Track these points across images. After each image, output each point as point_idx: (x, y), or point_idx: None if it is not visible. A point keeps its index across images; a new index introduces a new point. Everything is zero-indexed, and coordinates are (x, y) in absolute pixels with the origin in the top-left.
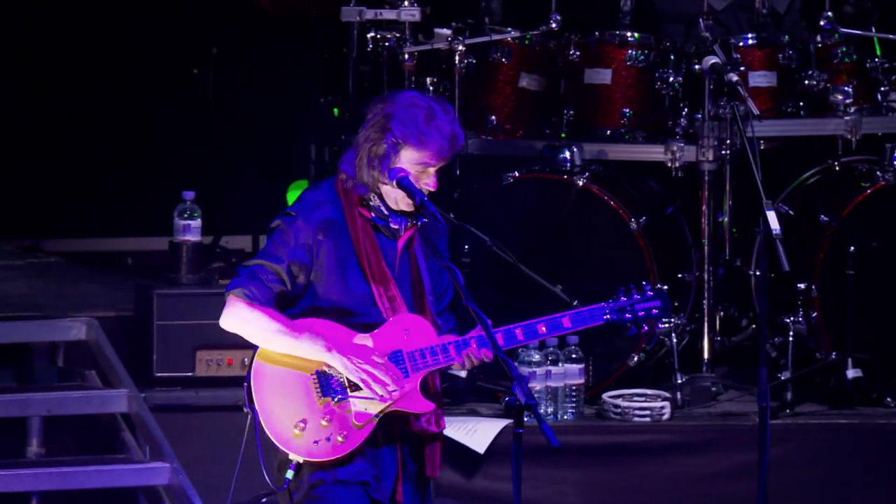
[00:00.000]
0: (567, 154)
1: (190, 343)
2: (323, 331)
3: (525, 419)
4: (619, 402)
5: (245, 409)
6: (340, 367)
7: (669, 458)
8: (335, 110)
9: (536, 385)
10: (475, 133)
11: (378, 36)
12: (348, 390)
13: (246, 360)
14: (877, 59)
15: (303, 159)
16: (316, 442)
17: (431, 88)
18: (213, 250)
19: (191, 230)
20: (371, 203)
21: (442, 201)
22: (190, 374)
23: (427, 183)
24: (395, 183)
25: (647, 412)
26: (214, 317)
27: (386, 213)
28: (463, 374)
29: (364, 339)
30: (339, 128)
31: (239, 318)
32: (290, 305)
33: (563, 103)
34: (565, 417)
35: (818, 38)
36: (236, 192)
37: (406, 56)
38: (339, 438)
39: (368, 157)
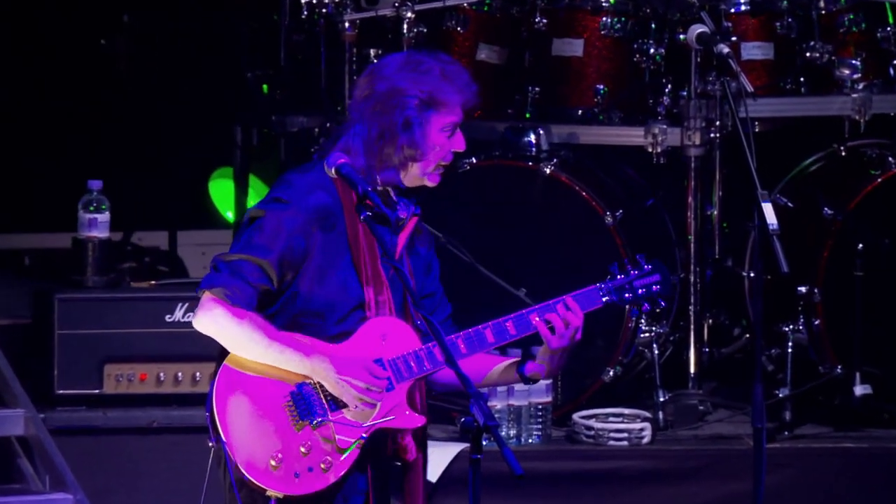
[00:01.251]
0: (532, 137)
1: (97, 356)
2: (311, 341)
3: (484, 443)
4: (592, 423)
5: (210, 444)
6: (329, 384)
7: (650, 487)
8: (265, 87)
9: (497, 403)
10: None
11: (314, 1)
12: (328, 412)
13: (162, 374)
14: (889, 29)
15: (227, 143)
16: (297, 474)
17: (376, 62)
18: (125, 248)
19: (98, 225)
20: (378, 188)
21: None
22: (97, 391)
23: (455, 144)
24: (334, 171)
25: (625, 435)
26: (124, 325)
27: (395, 199)
28: None
29: (335, 351)
30: (269, 107)
31: (218, 324)
32: (268, 305)
33: (527, 79)
34: (530, 441)
35: (822, 4)
36: (150, 182)
37: (346, 24)
38: (323, 466)
39: (391, 136)
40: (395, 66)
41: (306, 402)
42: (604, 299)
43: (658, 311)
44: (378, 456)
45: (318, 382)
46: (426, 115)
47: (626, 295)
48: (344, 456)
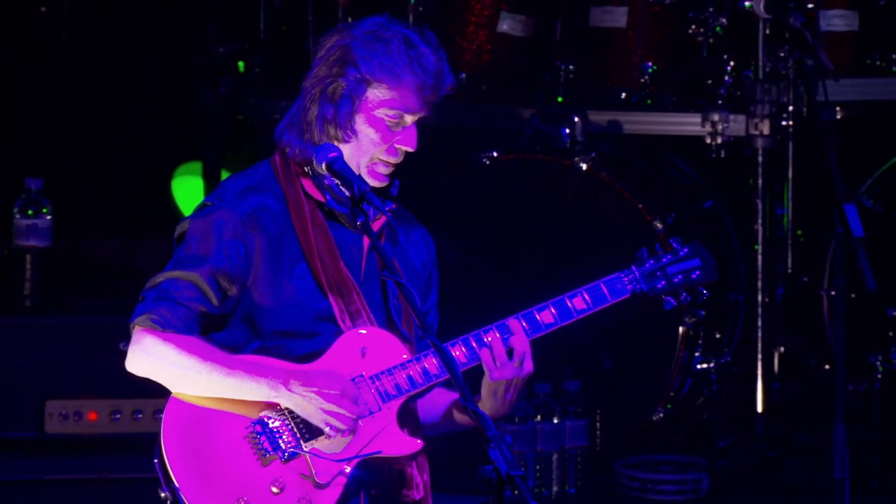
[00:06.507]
0: (565, 126)
1: (37, 391)
2: (264, 361)
3: (507, 495)
4: (637, 472)
5: (162, 493)
6: (295, 405)
7: None
8: (240, 64)
9: (521, 449)
10: None
11: None
12: (302, 441)
13: (117, 413)
14: None
15: (195, 133)
16: None
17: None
18: (70, 260)
19: (38, 232)
20: (325, 181)
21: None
22: (36, 434)
23: (402, 140)
24: (323, 166)
25: (678, 486)
26: (71, 353)
27: (347, 193)
28: None
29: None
30: (245, 88)
31: (148, 355)
32: (215, 331)
33: (559, 54)
34: (563, 494)
35: None
36: (101, 180)
37: None
38: None
39: (321, 104)
40: (356, 27)
41: (273, 431)
42: (630, 288)
43: (700, 301)
44: (374, 489)
45: (286, 407)
46: (361, 90)
47: (660, 284)
48: (325, 492)
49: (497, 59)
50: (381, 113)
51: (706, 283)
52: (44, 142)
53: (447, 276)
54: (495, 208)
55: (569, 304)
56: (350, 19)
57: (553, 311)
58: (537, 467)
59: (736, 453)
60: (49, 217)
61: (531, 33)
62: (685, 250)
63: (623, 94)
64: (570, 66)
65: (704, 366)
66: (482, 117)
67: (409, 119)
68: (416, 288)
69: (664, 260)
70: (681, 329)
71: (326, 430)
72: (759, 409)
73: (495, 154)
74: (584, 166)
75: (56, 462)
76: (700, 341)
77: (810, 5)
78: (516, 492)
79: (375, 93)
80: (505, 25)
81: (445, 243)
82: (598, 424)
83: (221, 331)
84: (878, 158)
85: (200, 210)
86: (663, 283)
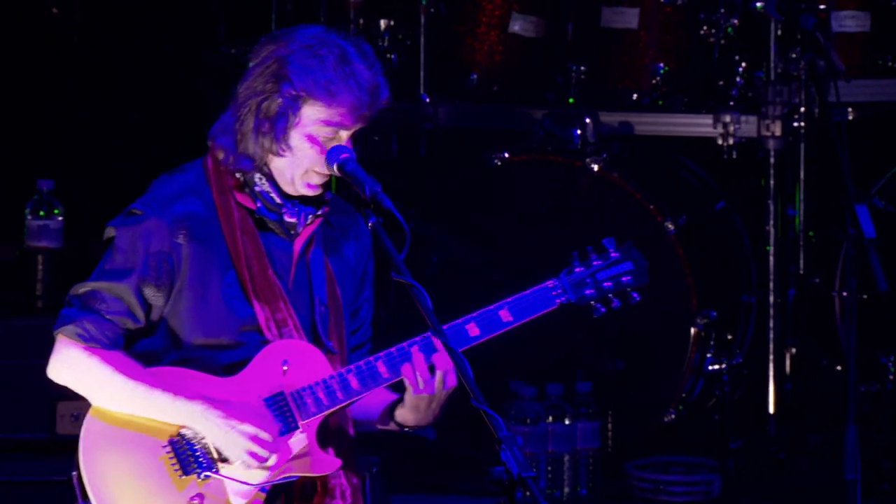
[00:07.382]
0: (577, 127)
1: (48, 392)
2: (188, 382)
3: (518, 497)
4: (649, 473)
5: None
6: (210, 435)
7: None
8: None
9: (533, 450)
10: (448, 97)
11: None
12: (217, 463)
13: None
14: None
15: (204, 134)
16: None
17: (387, 35)
18: (81, 261)
19: (49, 233)
20: (256, 188)
21: (401, 194)
22: (47, 435)
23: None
24: (335, 168)
25: (690, 488)
26: None
27: (278, 200)
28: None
29: (221, 386)
30: None
31: (70, 368)
32: (142, 337)
33: (571, 56)
34: (574, 496)
35: None
36: (112, 181)
37: None
38: None
39: (256, 118)
40: (292, 38)
41: (189, 450)
42: (558, 299)
43: (631, 305)
44: (296, 502)
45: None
46: (296, 107)
47: (588, 291)
48: None
49: (508, 60)
50: (315, 130)
51: (637, 287)
52: (55, 143)
53: (458, 276)
54: (507, 209)
55: (494, 316)
56: (362, 21)
57: (478, 323)
58: (549, 468)
59: (747, 454)
60: (60, 218)
61: (542, 34)
62: (617, 254)
63: (634, 95)
64: (582, 67)
65: (716, 367)
66: (493, 118)
67: (345, 135)
68: (349, 283)
69: (594, 265)
70: (692, 330)
71: (237, 464)
72: (771, 410)
73: (507, 155)
74: (596, 167)
75: (67, 463)
76: (712, 342)
77: (822, 6)
78: (528, 493)
79: (311, 110)
80: (516, 26)
81: (456, 244)
82: (609, 426)
83: (147, 338)
84: (890, 159)
85: (128, 217)
86: (592, 290)
